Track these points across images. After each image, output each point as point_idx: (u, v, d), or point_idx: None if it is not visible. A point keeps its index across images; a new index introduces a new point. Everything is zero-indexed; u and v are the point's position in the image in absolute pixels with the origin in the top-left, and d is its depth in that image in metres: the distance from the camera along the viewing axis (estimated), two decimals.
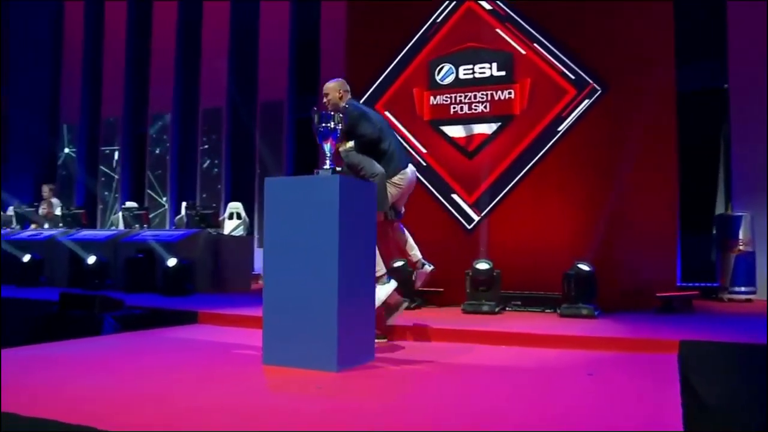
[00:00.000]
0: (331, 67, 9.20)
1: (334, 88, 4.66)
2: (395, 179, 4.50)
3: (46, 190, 11.48)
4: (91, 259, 8.18)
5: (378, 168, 4.31)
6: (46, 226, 10.68)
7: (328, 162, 3.83)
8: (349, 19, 7.92)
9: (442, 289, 6.63)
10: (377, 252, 4.21)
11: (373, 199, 4.03)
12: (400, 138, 5.42)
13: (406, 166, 4.59)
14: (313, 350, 3.52)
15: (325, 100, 4.67)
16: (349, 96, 4.69)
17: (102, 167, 13.07)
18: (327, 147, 3.88)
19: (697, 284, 7.79)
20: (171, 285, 7.54)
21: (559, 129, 6.42)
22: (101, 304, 5.64)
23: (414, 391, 3.14)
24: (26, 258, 8.68)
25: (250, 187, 11.80)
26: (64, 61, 13.84)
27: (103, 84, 13.22)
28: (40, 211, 10.93)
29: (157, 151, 12.75)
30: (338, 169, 3.80)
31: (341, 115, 4.16)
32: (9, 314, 6.30)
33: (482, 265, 6.03)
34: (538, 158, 6.49)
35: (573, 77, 6.40)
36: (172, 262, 7.63)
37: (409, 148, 7.10)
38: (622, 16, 6.29)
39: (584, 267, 5.64)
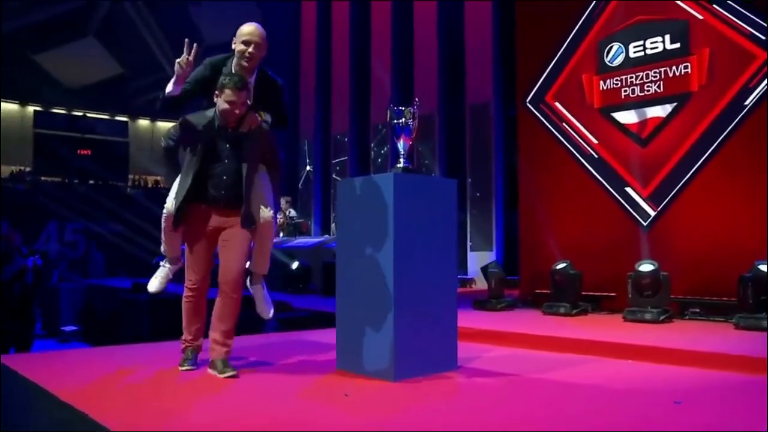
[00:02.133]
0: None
1: (266, 42, 3.52)
2: None
3: (282, 202, 12.83)
4: (294, 265, 8.91)
5: None
6: (281, 235, 11.90)
7: (402, 160, 3.68)
8: (519, 11, 7.52)
9: (614, 294, 5.96)
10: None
11: (452, 197, 3.76)
12: None
13: None
14: (373, 357, 3.43)
15: (252, 50, 3.44)
16: None
17: (335, 177, 14.15)
18: (401, 144, 3.72)
19: None
20: None
21: (746, 103, 5.33)
22: None
23: (447, 406, 2.87)
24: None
25: (461, 189, 11.79)
26: (300, 83, 15.34)
27: (332, 101, 14.36)
28: (278, 221, 12.26)
29: (379, 161, 13.42)
30: (403, 166, 3.61)
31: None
32: None
33: (646, 267, 5.28)
34: (721, 140, 5.47)
35: (763, 37, 5.27)
36: None
37: (579, 138, 6.52)
38: None
39: (766, 269, 4.62)
